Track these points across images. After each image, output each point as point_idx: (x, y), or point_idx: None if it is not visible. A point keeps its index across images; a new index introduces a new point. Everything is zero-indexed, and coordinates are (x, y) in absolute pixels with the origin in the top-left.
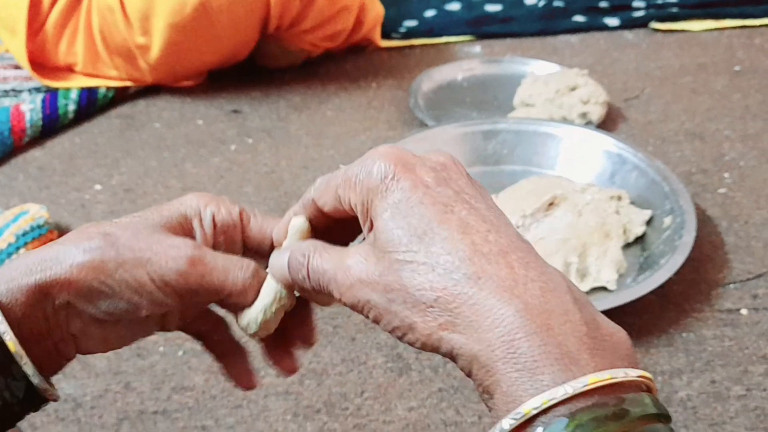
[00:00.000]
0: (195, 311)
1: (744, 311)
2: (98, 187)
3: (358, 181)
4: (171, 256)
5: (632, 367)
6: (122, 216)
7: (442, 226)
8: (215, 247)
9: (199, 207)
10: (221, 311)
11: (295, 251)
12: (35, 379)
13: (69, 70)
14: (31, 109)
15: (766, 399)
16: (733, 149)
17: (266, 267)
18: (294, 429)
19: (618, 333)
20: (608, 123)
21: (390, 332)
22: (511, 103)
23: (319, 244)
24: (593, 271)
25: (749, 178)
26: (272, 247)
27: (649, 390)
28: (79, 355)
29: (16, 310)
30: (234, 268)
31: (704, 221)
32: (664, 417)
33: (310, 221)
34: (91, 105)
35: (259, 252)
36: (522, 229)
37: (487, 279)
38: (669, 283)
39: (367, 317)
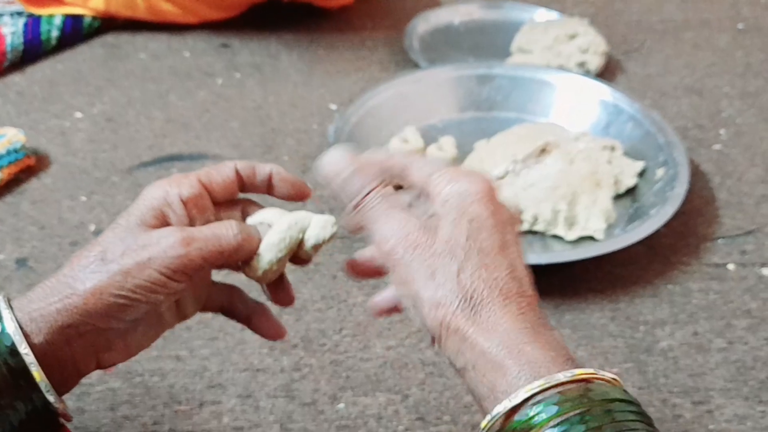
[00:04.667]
0: (206, 289)
1: (731, 266)
2: (79, 114)
3: (461, 175)
4: (167, 246)
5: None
6: (102, 144)
7: (500, 255)
8: (191, 220)
9: (163, 195)
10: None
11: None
12: (57, 404)
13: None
14: (12, 32)
15: (747, 352)
16: (731, 106)
17: (243, 212)
18: (270, 363)
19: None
20: (606, 74)
21: (409, 301)
22: (509, 49)
23: (389, 191)
24: (582, 219)
25: (745, 136)
26: (243, 187)
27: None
28: None
29: (39, 338)
30: (221, 231)
31: (697, 176)
32: (625, 401)
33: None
34: (76, 33)
35: (231, 200)
36: (512, 174)
37: (511, 302)
38: (657, 235)
39: (392, 280)
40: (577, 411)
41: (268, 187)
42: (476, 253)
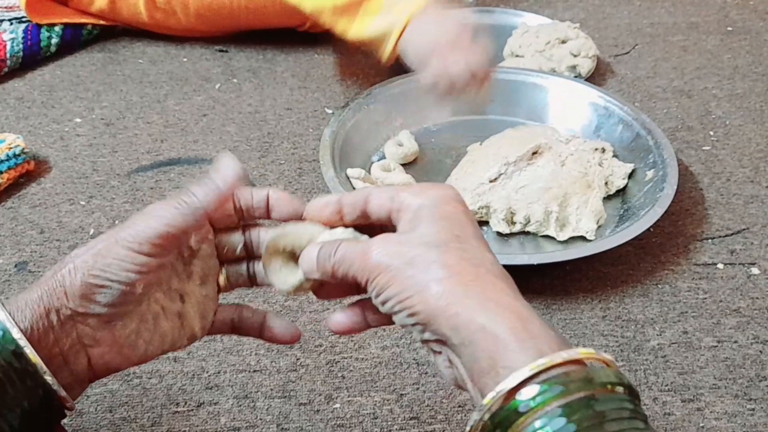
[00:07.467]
0: (211, 304)
1: (720, 266)
2: (78, 120)
3: (426, 188)
4: (130, 224)
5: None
6: (101, 149)
7: (476, 241)
8: (194, 249)
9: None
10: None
11: (327, 243)
12: (55, 386)
13: (60, 1)
14: (12, 39)
15: (735, 350)
16: (719, 108)
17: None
18: (266, 364)
19: None
20: (597, 77)
21: (394, 296)
22: (501, 53)
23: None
24: (573, 220)
25: (734, 137)
26: (241, 214)
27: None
28: None
29: (25, 323)
30: (177, 205)
31: (687, 177)
32: (625, 385)
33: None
34: (75, 39)
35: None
36: (504, 176)
37: (500, 280)
38: (647, 235)
39: (373, 285)
40: (583, 394)
41: (266, 211)
42: (454, 239)
